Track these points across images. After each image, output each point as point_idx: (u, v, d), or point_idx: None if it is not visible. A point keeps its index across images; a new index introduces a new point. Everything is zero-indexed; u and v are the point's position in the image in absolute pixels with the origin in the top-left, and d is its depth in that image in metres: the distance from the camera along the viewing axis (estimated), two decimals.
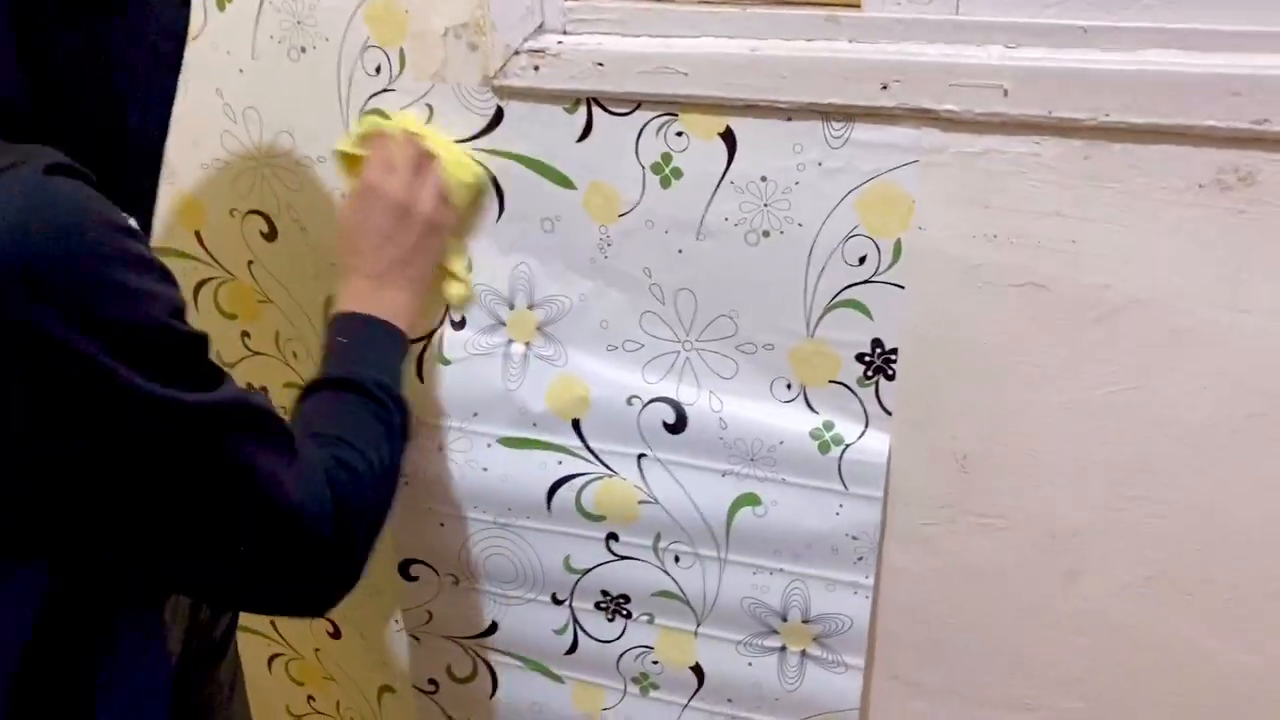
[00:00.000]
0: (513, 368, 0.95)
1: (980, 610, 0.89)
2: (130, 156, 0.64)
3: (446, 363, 0.96)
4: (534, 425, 0.95)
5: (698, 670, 1.00)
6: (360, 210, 0.86)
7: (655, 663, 1.01)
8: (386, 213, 0.85)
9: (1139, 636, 0.86)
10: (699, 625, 0.98)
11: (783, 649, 0.96)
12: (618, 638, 1.02)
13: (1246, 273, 0.72)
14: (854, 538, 0.89)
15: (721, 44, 0.78)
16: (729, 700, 1.01)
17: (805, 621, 0.94)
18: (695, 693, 1.02)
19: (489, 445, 0.96)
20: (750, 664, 0.97)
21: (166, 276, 0.59)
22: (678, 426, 0.91)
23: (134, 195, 0.62)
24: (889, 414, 0.85)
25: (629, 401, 0.92)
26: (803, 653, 0.95)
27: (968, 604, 0.90)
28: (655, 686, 1.03)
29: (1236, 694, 0.85)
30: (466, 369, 0.96)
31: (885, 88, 0.74)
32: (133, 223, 0.58)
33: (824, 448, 0.87)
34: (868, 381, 0.85)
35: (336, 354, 0.80)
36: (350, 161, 0.91)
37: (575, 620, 1.02)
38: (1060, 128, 0.71)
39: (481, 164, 0.89)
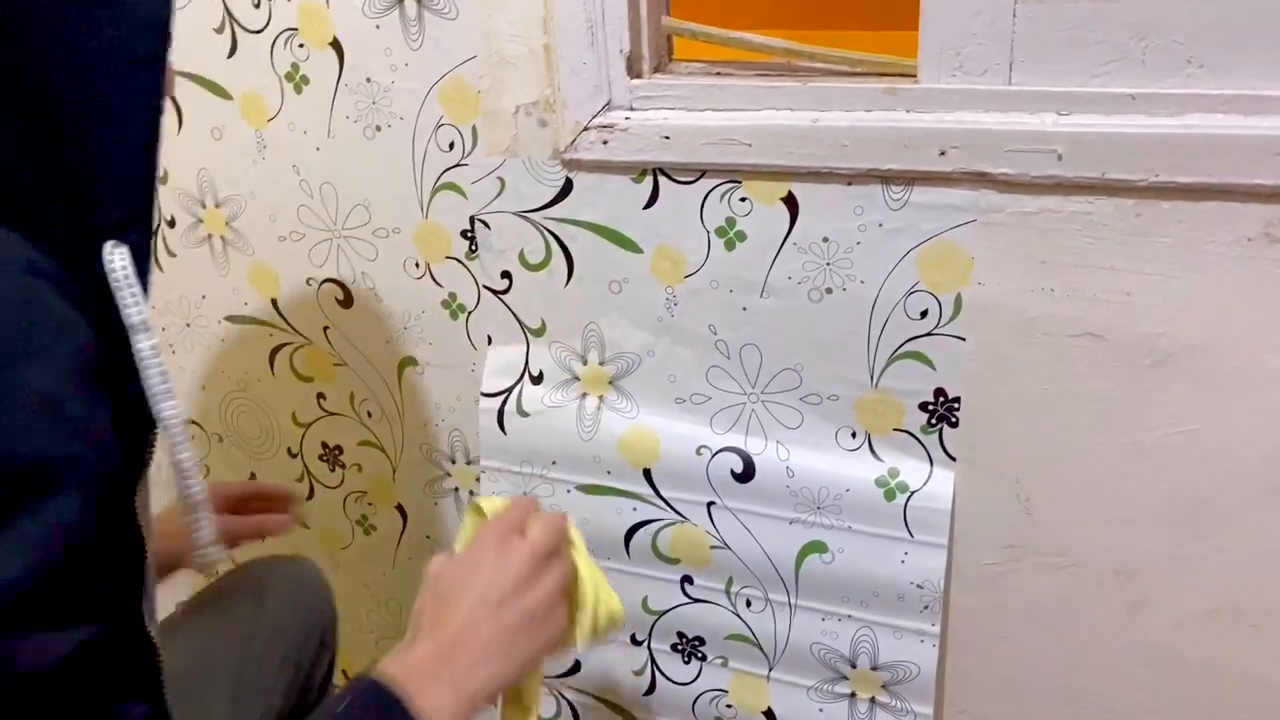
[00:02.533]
0: (586, 420, 0.99)
1: (1046, 646, 0.92)
2: (114, 165, 0.54)
3: (525, 415, 1.01)
4: (608, 473, 0.99)
5: (770, 715, 1.03)
6: (461, 568, 0.67)
7: (729, 706, 1.04)
8: (490, 584, 0.65)
9: (1202, 668, 0.88)
10: (771, 669, 1.01)
11: (852, 695, 0.99)
12: (693, 680, 1.05)
13: None
14: (919, 586, 0.92)
15: (783, 116, 0.83)
16: None
17: (874, 669, 0.96)
18: None
19: (568, 491, 1.01)
20: (821, 710, 1.00)
21: None
22: (745, 475, 0.95)
23: (124, 216, 0.54)
24: (953, 459, 0.89)
25: (698, 452, 0.96)
26: (872, 699, 0.98)
27: (1034, 640, 0.93)
28: None
29: None
30: (544, 421, 1.00)
31: (943, 154, 0.78)
32: None
33: (889, 495, 0.91)
34: (931, 429, 0.89)
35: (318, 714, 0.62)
36: (477, 519, 0.77)
37: (653, 661, 1.06)
38: (1112, 188, 0.75)
39: (612, 595, 0.74)
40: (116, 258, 0.53)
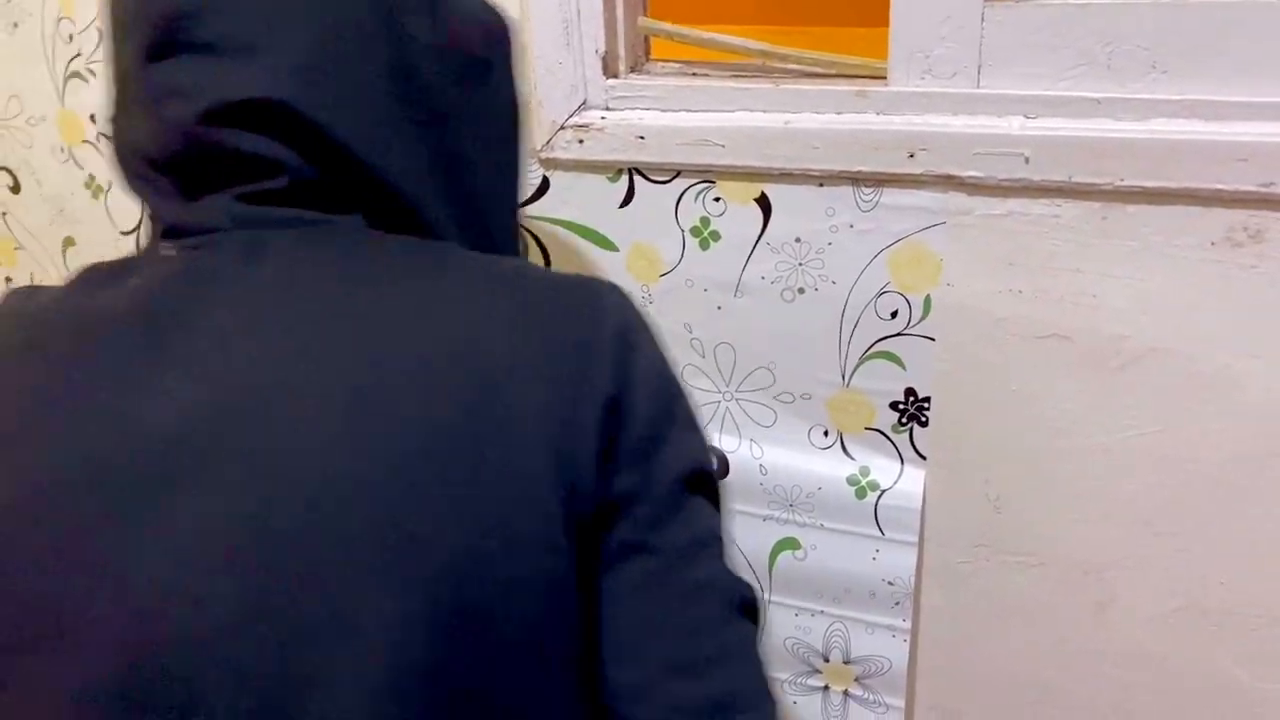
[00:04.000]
0: None
1: (1015, 643, 0.93)
2: (492, 229, 0.67)
3: None
4: None
5: None
6: None
7: None
8: None
9: (1168, 666, 0.90)
10: None
11: (826, 688, 1.00)
12: None
13: (1258, 321, 0.76)
14: (890, 583, 0.93)
15: (756, 117, 0.83)
16: None
17: (847, 662, 0.97)
18: None
19: None
20: (795, 702, 1.01)
21: None
22: (720, 473, 0.96)
23: None
24: (923, 458, 0.90)
25: None
26: (845, 692, 0.99)
27: (1003, 637, 0.94)
28: None
29: None
30: None
31: (912, 156, 0.79)
32: None
33: (860, 493, 0.91)
34: (902, 428, 0.89)
35: None
36: None
37: None
38: (1079, 191, 0.76)
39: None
40: None
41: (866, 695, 0.98)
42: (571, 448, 0.52)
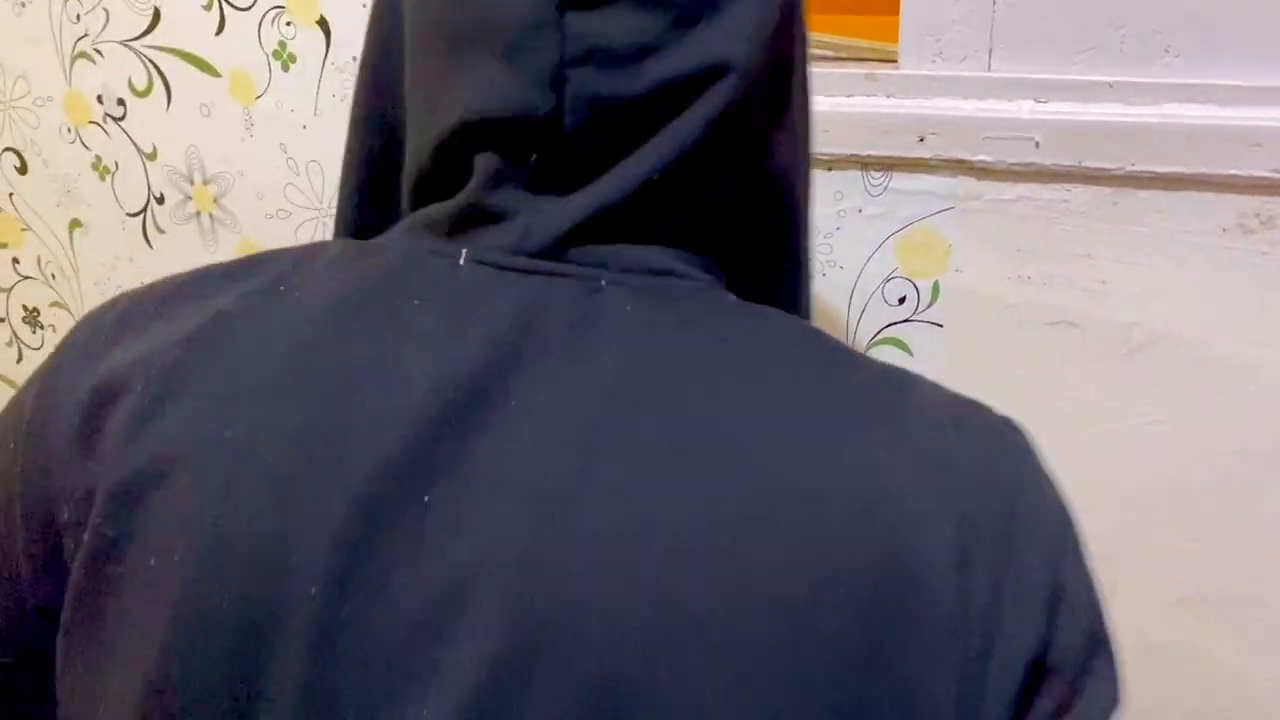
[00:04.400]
0: None
1: None
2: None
3: None
4: None
5: None
6: None
7: None
8: None
9: (1172, 655, 0.89)
10: None
11: None
12: None
13: (1269, 309, 0.76)
14: None
15: None
16: None
17: None
18: None
19: None
20: None
21: None
22: None
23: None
24: None
25: None
26: None
27: None
28: None
29: (1266, 709, 0.88)
30: None
31: (922, 140, 0.78)
32: None
33: None
34: None
35: None
36: None
37: None
38: (1089, 176, 0.76)
39: None
40: None
41: None
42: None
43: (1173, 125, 0.72)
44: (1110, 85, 0.74)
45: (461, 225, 0.45)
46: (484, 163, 0.44)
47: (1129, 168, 0.74)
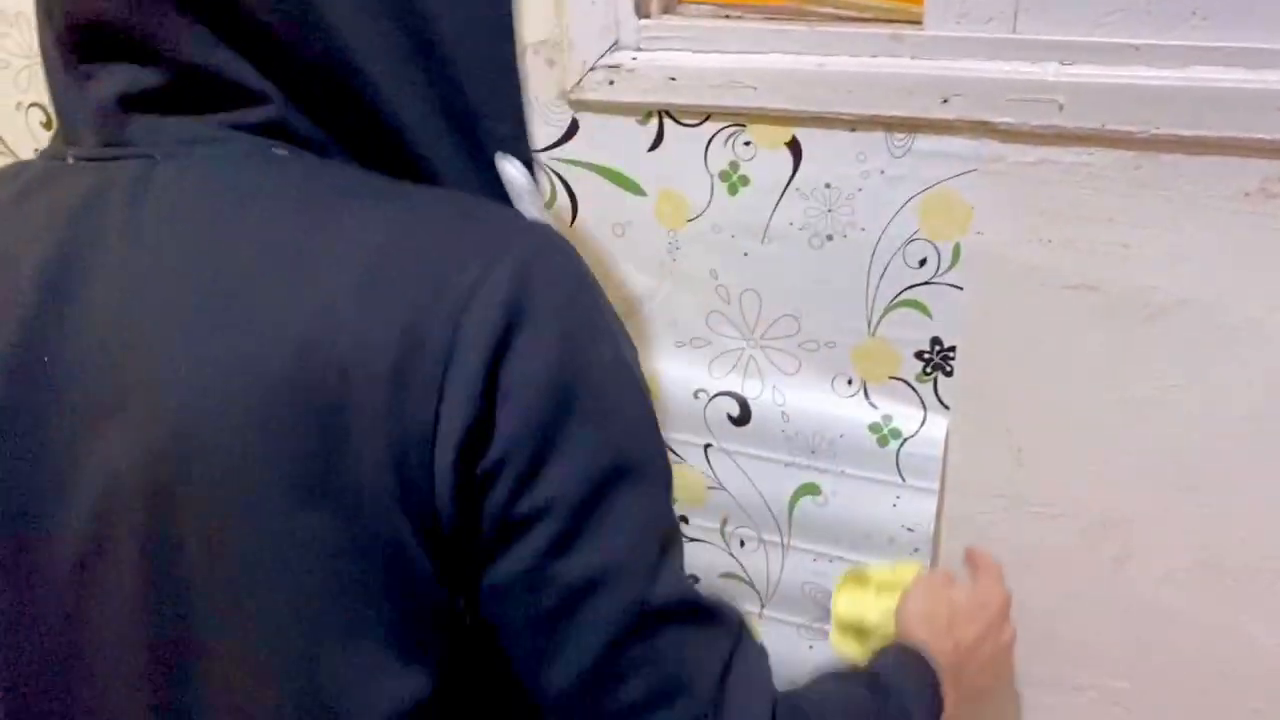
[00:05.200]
0: None
1: (1032, 594, 0.94)
2: (497, 87, 0.59)
3: None
4: None
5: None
6: (975, 602, 0.83)
7: None
8: (993, 622, 0.82)
9: (1184, 620, 0.90)
10: (763, 607, 1.03)
11: None
12: None
13: None
14: (910, 529, 0.93)
15: (789, 60, 0.83)
16: (791, 682, 1.06)
17: None
18: None
19: None
20: (811, 647, 1.02)
21: None
22: (742, 419, 0.96)
23: (510, 131, 0.59)
24: (946, 408, 0.90)
25: (695, 395, 0.97)
26: None
27: (1020, 589, 0.94)
28: None
29: (1277, 676, 0.89)
30: None
31: (946, 101, 0.78)
32: None
33: (882, 441, 0.92)
34: (926, 377, 0.90)
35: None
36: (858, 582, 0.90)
37: None
38: (1112, 140, 0.75)
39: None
40: (509, 166, 0.58)
41: None
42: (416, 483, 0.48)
43: (1198, 88, 0.72)
44: (1136, 47, 0.73)
45: (66, 131, 0.56)
46: (53, 74, 0.55)
47: (1153, 131, 0.74)
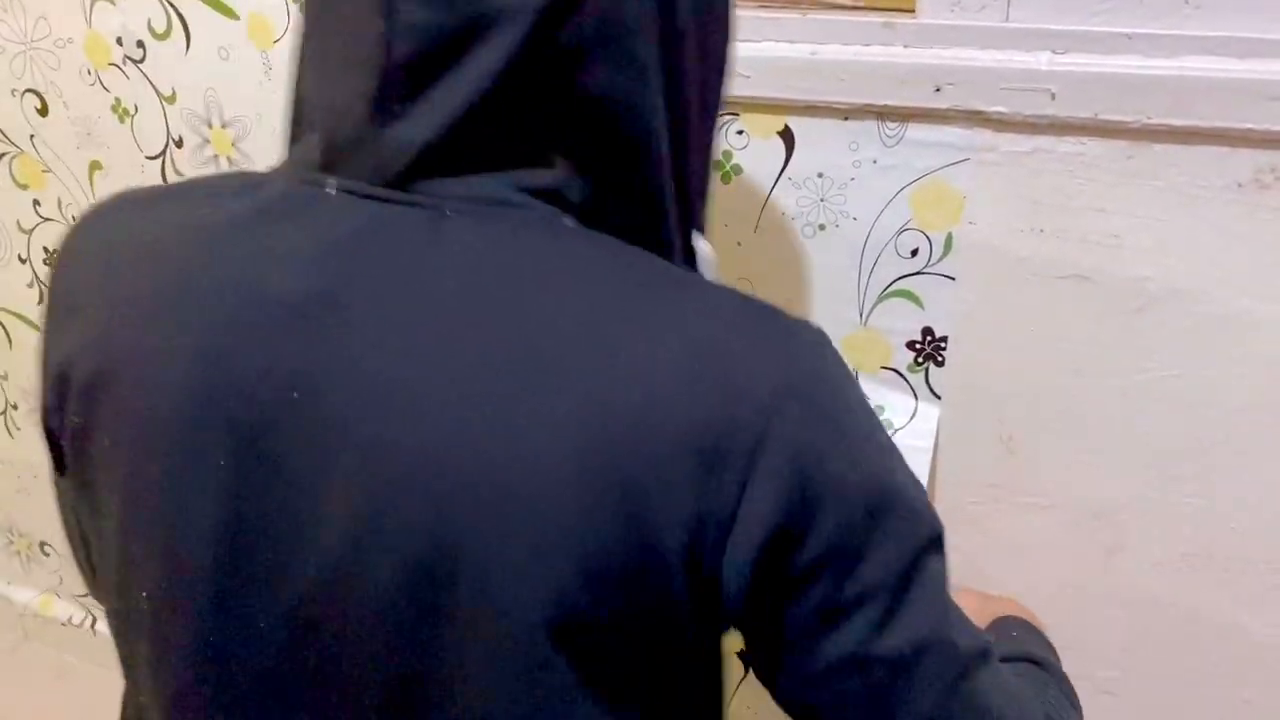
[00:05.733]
0: None
1: (1024, 585, 0.94)
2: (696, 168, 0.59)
3: None
4: None
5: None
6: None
7: None
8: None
9: (1175, 611, 0.90)
10: None
11: None
12: None
13: None
14: None
15: (782, 48, 0.83)
16: None
17: None
18: None
19: None
20: None
21: None
22: None
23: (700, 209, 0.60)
24: (938, 398, 0.90)
25: None
26: None
27: (1012, 579, 0.94)
28: None
29: (1268, 667, 0.89)
30: None
31: (938, 90, 0.78)
32: None
33: None
34: (918, 367, 0.90)
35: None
36: None
37: None
38: (1105, 129, 0.75)
39: None
40: (703, 244, 0.60)
41: None
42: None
43: (1190, 78, 0.72)
44: (1129, 37, 0.73)
45: (328, 157, 0.52)
46: (336, 99, 0.51)
47: (1145, 121, 0.73)
